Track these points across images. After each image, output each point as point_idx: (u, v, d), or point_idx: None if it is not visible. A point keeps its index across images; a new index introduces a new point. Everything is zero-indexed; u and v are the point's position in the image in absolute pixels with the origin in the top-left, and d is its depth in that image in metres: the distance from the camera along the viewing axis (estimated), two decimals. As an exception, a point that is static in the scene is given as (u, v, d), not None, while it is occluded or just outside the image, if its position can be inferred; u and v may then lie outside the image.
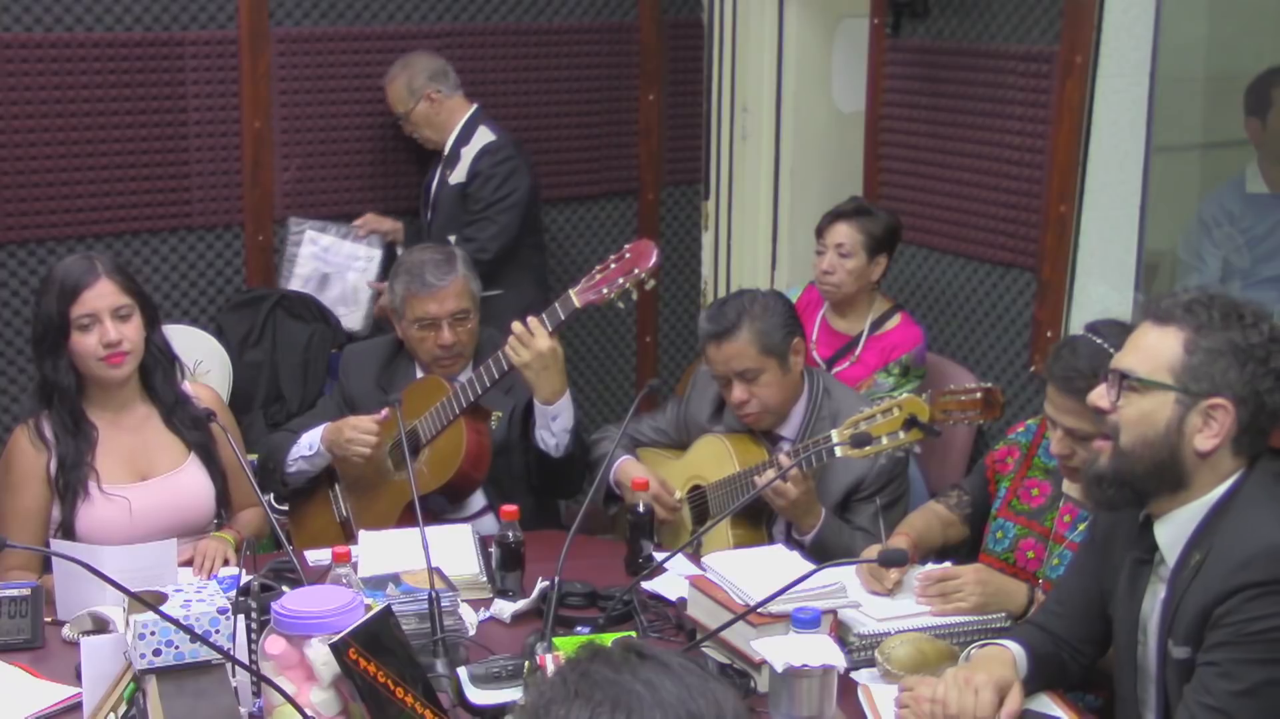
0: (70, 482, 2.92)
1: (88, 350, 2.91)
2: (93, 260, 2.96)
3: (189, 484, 3.03)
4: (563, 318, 3.19)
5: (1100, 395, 2.23)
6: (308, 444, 3.41)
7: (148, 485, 2.99)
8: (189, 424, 3.05)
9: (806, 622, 2.35)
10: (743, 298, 3.25)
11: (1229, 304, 2.17)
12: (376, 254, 4.62)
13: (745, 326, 3.15)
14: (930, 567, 2.74)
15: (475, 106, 4.53)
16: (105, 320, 2.90)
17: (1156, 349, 2.17)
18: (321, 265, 4.56)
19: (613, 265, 3.18)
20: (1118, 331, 2.66)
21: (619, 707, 1.25)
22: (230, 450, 3.00)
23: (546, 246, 4.82)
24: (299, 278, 4.56)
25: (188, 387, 3.12)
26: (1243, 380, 2.13)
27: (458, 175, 4.45)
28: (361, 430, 3.29)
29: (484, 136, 4.46)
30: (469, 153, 4.45)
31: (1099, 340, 2.61)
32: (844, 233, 3.89)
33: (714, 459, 3.27)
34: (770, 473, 2.98)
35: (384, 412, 3.28)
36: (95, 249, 4.31)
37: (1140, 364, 2.18)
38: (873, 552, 2.76)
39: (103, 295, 2.91)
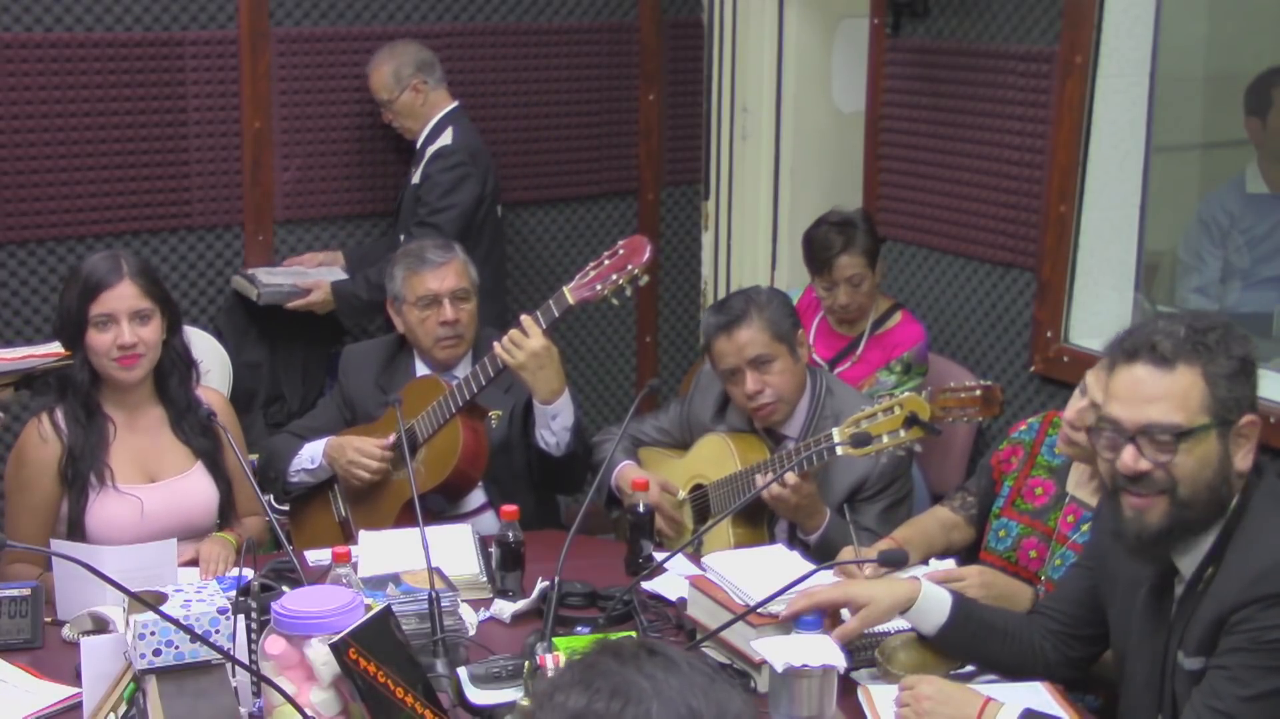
0: (81, 472, 2.92)
1: (101, 349, 2.92)
2: (119, 260, 2.97)
3: (195, 489, 3.04)
4: (557, 315, 3.19)
5: (1134, 459, 2.14)
6: (309, 457, 3.42)
7: (158, 487, 3.00)
8: (198, 431, 3.05)
9: (808, 622, 2.35)
10: (745, 292, 3.29)
11: (1212, 323, 2.17)
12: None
13: (754, 314, 3.17)
14: (934, 566, 2.74)
15: (455, 104, 4.47)
16: (122, 322, 2.91)
17: (1184, 393, 2.12)
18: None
19: (606, 262, 3.18)
20: None
21: (617, 695, 1.26)
22: (234, 457, 2.99)
23: (505, 258, 4.71)
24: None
25: (198, 392, 3.11)
26: (1251, 391, 2.16)
27: (416, 175, 4.41)
28: (365, 455, 3.29)
29: (444, 139, 4.39)
30: (430, 152, 4.40)
31: None
32: (848, 264, 3.85)
33: (716, 458, 3.27)
34: (768, 476, 2.97)
35: (391, 438, 3.28)
36: (95, 249, 4.31)
37: (1175, 413, 2.12)
38: (847, 553, 2.76)
39: (123, 298, 2.92)
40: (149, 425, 3.04)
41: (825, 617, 2.43)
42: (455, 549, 2.92)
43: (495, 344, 3.22)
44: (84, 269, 2.97)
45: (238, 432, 3.19)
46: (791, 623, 2.41)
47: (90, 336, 2.92)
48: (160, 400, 3.05)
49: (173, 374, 3.03)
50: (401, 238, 4.33)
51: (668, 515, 3.27)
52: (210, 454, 3.06)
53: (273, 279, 4.40)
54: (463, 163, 4.33)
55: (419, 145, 4.44)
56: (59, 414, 2.96)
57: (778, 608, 2.43)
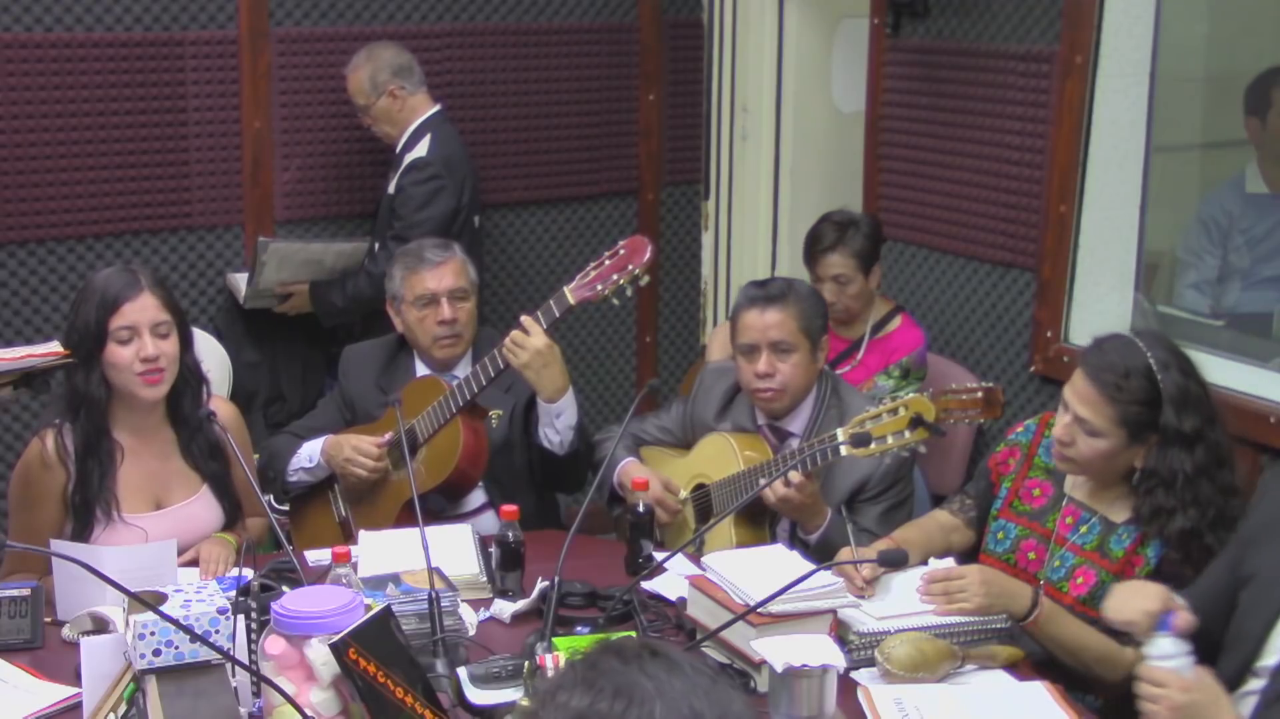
0: (88, 502, 2.88)
1: (124, 363, 2.85)
2: (136, 273, 2.91)
3: (200, 515, 3.01)
4: (557, 315, 3.20)
5: None
6: (308, 456, 3.42)
7: (163, 515, 2.96)
8: (207, 453, 3.01)
9: (1166, 624, 2.25)
10: (790, 279, 3.33)
11: None
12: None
13: (792, 300, 3.19)
14: (934, 565, 2.74)
15: (437, 108, 4.40)
16: (144, 334, 2.85)
17: None
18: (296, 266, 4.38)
19: (606, 262, 3.19)
20: (1155, 340, 2.65)
21: (620, 694, 1.26)
22: (241, 470, 2.96)
23: (484, 268, 4.61)
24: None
25: (210, 404, 3.07)
26: None
27: (392, 185, 4.34)
28: (362, 453, 3.29)
29: (420, 149, 4.31)
30: (406, 162, 4.32)
31: (1139, 343, 2.62)
32: (836, 263, 3.86)
33: (719, 458, 3.27)
34: (778, 480, 2.97)
35: (387, 436, 3.28)
36: (95, 249, 4.32)
37: None
38: (845, 554, 2.76)
39: (144, 309, 2.86)
40: (159, 449, 2.99)
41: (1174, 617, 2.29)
42: (455, 549, 2.92)
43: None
44: (98, 283, 2.89)
45: (246, 443, 3.15)
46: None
47: (111, 351, 2.85)
48: (171, 423, 3.00)
49: (185, 393, 2.97)
50: (376, 247, 4.32)
51: (670, 509, 3.27)
52: (219, 477, 3.02)
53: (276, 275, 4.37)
54: (437, 175, 4.26)
55: (397, 151, 4.38)
56: (66, 435, 2.90)
57: (778, 608, 2.43)
